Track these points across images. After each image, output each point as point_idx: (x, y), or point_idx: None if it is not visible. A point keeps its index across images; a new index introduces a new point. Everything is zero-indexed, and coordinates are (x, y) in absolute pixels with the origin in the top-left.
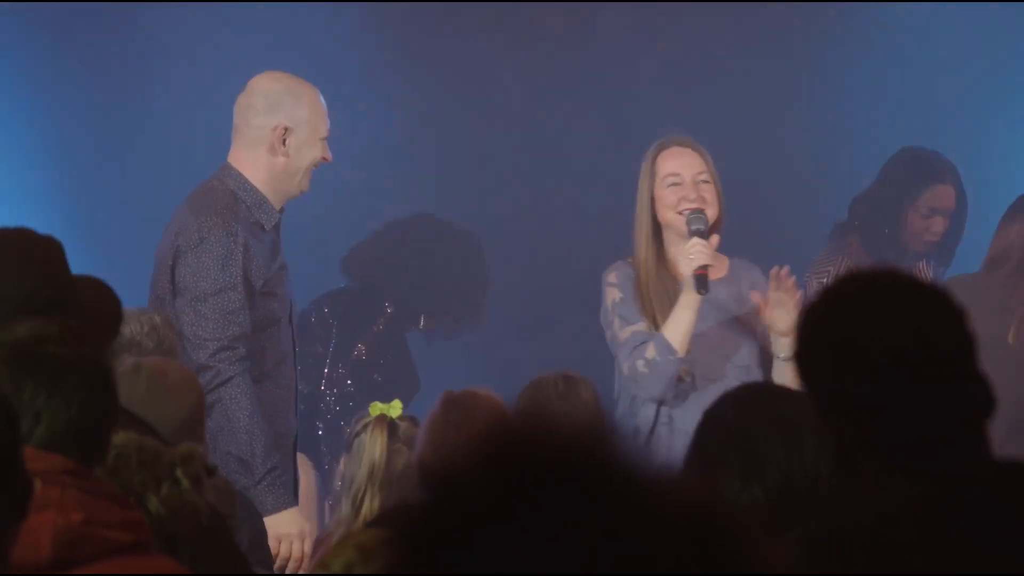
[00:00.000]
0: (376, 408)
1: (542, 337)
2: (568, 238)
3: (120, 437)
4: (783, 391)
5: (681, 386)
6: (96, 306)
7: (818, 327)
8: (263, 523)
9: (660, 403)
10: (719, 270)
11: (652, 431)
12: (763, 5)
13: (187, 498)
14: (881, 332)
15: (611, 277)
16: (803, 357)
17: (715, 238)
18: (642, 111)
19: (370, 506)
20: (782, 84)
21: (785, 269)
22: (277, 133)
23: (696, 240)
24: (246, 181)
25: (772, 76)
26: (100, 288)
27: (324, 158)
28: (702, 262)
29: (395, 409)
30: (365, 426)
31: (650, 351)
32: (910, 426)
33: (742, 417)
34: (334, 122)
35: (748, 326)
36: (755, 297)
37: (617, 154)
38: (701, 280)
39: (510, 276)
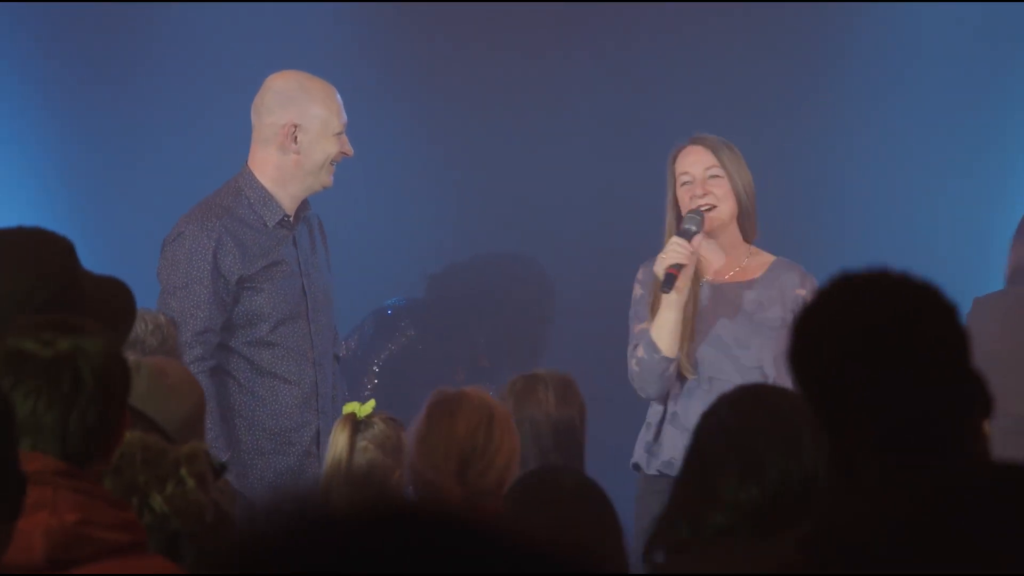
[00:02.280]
0: (349, 407)
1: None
2: (568, 238)
3: (125, 435)
4: (781, 391)
5: (687, 384)
6: (103, 306)
7: (814, 328)
8: None
9: (666, 399)
10: (752, 271)
11: (660, 427)
12: (763, 5)
13: (191, 497)
14: (879, 332)
15: (639, 274)
16: (799, 358)
17: (697, 238)
18: (644, 112)
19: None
20: (781, 84)
21: None
22: (286, 130)
23: (674, 239)
24: (254, 179)
25: (771, 76)
26: (113, 289)
27: (344, 152)
28: (674, 261)
29: (366, 408)
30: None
31: (640, 350)
32: (909, 426)
33: (740, 417)
34: (352, 125)
35: (768, 329)
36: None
37: (621, 155)
38: (668, 279)
39: (510, 278)
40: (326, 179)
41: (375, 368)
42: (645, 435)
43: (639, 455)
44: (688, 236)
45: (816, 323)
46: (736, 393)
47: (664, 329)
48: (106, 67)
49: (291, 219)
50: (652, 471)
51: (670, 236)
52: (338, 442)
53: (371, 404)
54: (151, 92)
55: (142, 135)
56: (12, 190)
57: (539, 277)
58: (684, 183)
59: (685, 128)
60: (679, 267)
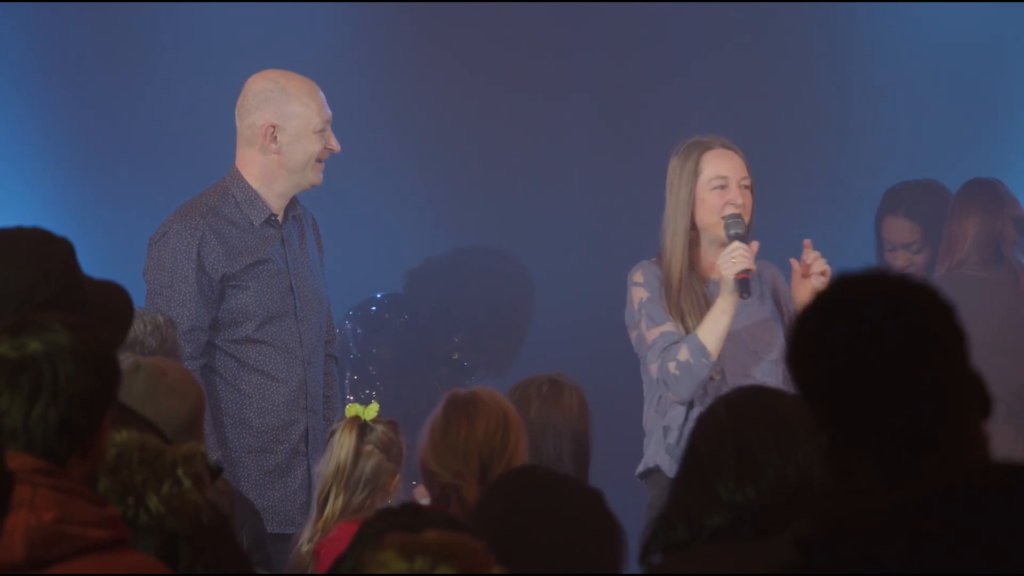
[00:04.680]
0: (352, 409)
1: (545, 337)
2: (550, 238)
3: (122, 435)
4: (777, 392)
5: (711, 384)
6: (101, 309)
7: (813, 329)
8: (263, 524)
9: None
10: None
11: (683, 428)
12: (761, 5)
13: (188, 497)
14: (877, 333)
15: (637, 276)
16: (799, 359)
17: (755, 244)
18: (632, 112)
19: (333, 505)
20: (779, 85)
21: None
22: (264, 131)
23: (737, 244)
24: (241, 179)
25: (768, 76)
26: (111, 291)
27: (329, 148)
28: (744, 266)
29: (370, 411)
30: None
31: (683, 353)
32: (909, 426)
33: (736, 418)
34: (336, 122)
35: (773, 323)
36: (796, 264)
37: (608, 156)
38: (743, 284)
39: (491, 276)
40: (313, 177)
41: (358, 355)
42: (664, 438)
43: (658, 458)
44: (744, 240)
45: (815, 324)
46: (732, 394)
47: (715, 333)
48: (105, 68)
49: (278, 218)
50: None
51: (678, 232)
52: (343, 445)
53: (375, 407)
54: (150, 93)
55: (141, 136)
56: (10, 191)
57: (519, 276)
58: (718, 186)
59: (677, 129)
60: (748, 271)
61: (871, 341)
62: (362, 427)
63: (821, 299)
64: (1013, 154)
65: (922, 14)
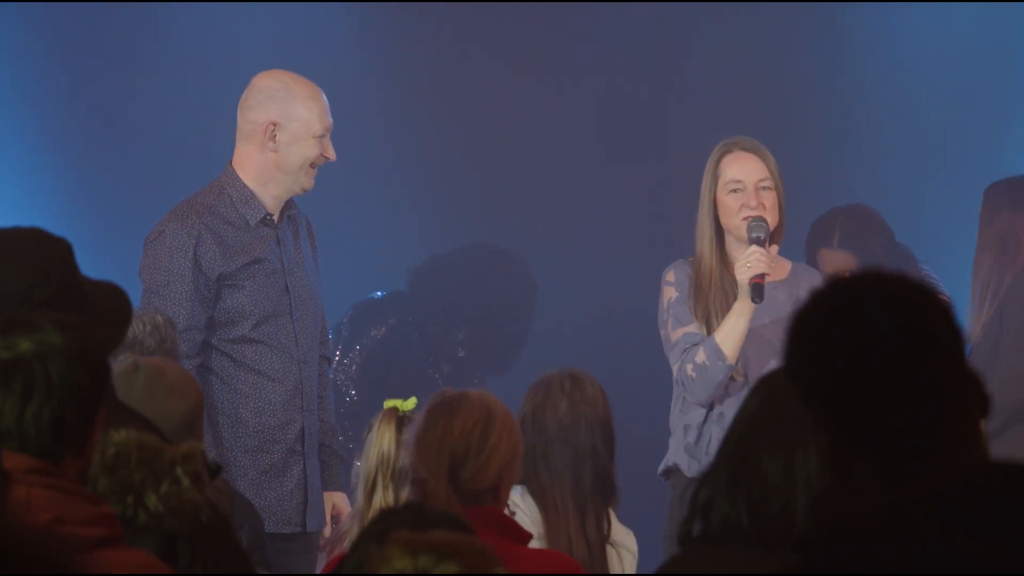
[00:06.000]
0: (390, 402)
1: (548, 337)
2: (551, 235)
3: (120, 435)
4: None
5: (733, 385)
6: (100, 309)
7: (811, 330)
8: (262, 524)
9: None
10: (779, 273)
11: (702, 428)
12: (759, 5)
13: (187, 496)
14: (875, 333)
15: (669, 276)
16: (797, 360)
17: (774, 247)
18: (632, 111)
19: (383, 498)
20: (780, 84)
21: None
22: (263, 128)
23: (754, 248)
24: (237, 178)
25: (770, 76)
26: (110, 292)
27: (325, 156)
28: (759, 271)
29: (408, 405)
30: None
31: (700, 355)
32: (908, 427)
33: (775, 410)
34: (337, 120)
35: None
36: None
37: (608, 154)
38: (757, 289)
39: (492, 273)
40: (306, 182)
41: (357, 354)
42: (684, 437)
43: (677, 457)
44: (763, 244)
45: (813, 325)
46: (774, 382)
47: (732, 337)
48: (104, 68)
49: (274, 218)
50: (694, 473)
51: (706, 236)
52: (384, 437)
53: (412, 401)
54: (149, 93)
55: (140, 137)
56: (9, 191)
57: (521, 274)
58: (734, 190)
59: (677, 128)
60: (763, 276)
61: (871, 341)
62: (400, 419)
63: (820, 299)
64: (1013, 154)
65: (923, 14)
